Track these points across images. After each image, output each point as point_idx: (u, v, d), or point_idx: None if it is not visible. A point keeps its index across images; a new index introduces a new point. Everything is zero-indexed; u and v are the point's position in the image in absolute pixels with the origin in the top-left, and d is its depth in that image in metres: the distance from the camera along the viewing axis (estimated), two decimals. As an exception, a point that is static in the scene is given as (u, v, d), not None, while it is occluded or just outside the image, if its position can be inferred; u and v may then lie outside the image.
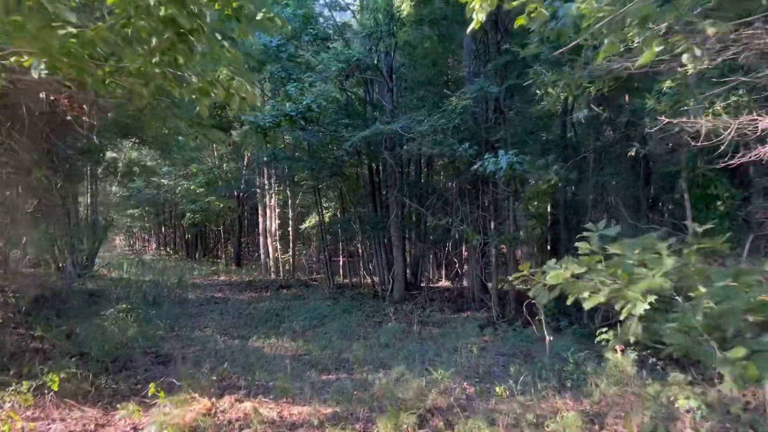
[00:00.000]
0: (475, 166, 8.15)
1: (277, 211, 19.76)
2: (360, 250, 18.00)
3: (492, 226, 11.18)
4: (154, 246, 32.62)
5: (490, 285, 12.43)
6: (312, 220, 19.52)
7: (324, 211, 17.26)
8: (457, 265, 17.87)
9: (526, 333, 8.88)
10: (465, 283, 15.61)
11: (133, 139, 9.75)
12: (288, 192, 18.84)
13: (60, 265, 15.61)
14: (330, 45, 12.13)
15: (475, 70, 11.02)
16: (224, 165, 23.83)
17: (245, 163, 21.81)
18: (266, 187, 19.05)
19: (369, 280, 15.86)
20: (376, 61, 11.28)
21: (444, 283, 17.08)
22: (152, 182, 19.15)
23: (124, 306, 9.04)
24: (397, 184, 12.03)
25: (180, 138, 9.14)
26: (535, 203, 11.11)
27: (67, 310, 9.42)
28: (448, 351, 7.70)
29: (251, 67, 12.36)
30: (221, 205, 20.22)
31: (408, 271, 14.31)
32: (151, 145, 10.25)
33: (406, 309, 11.30)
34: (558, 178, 7.77)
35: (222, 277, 18.96)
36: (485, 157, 8.03)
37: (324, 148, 13.58)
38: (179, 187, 19.81)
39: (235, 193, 23.10)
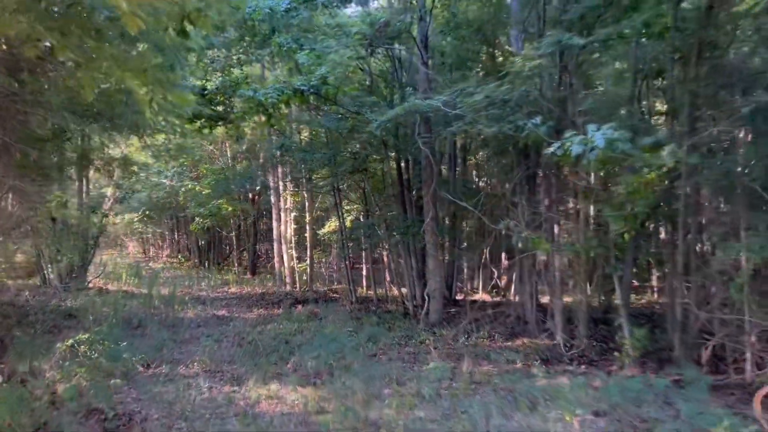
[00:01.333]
0: (552, 149, 5.85)
1: (292, 215, 17.65)
2: (385, 258, 15.79)
3: (556, 231, 8.88)
4: (167, 253, 30.86)
5: (546, 301, 10.15)
6: (332, 225, 17.37)
7: (345, 215, 15.07)
8: (496, 275, 15.55)
9: (621, 378, 6.54)
10: (509, 297, 13.30)
11: (103, 123, 7.74)
12: (305, 193, 16.72)
13: (46, 276, 13.79)
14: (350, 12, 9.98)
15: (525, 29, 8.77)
16: (237, 166, 21.90)
17: (260, 162, 19.79)
18: (280, 187, 16.93)
19: (396, 292, 13.63)
20: (409, 24, 8.96)
21: (482, 296, 14.73)
22: (149, 182, 17.12)
23: (86, 336, 6.93)
24: (434, 179, 9.74)
25: (149, 117, 7.03)
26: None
27: (18, 340, 7.37)
28: (522, 410, 5.39)
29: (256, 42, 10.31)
30: (230, 209, 18.15)
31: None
32: (121, 128, 8.21)
33: (447, 335, 8.99)
34: (674, 162, 5.44)
35: (233, 289, 16.93)
36: (568, 135, 5.73)
37: (344, 138, 11.40)
38: (183, 189, 17.79)
39: (250, 196, 21.12)
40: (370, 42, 8.47)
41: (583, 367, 7.63)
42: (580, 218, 8.39)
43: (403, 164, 11.88)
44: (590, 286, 10.14)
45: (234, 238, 23.80)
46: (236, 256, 23.97)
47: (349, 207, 16.29)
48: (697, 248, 8.37)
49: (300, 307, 12.67)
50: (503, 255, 14.77)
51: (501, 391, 6.17)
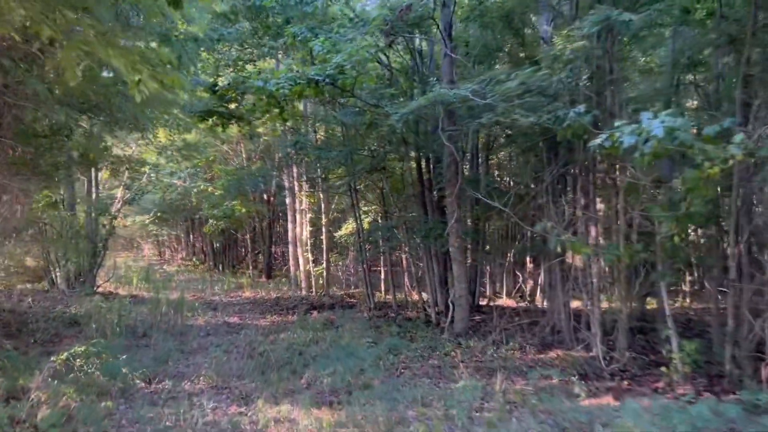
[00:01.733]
0: (599, 140, 5.14)
1: (308, 216, 17.04)
2: (404, 261, 15.12)
3: (593, 233, 8.11)
4: (182, 255, 30.52)
5: (577, 309, 9.40)
6: (349, 227, 16.73)
7: (362, 216, 14.40)
8: (521, 280, 14.81)
9: (681, 401, 5.79)
10: (535, 303, 12.55)
11: (102, 118, 7.20)
12: (321, 194, 16.11)
13: (54, 280, 13.37)
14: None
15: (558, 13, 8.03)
16: (252, 166, 21.39)
17: (275, 162, 19.25)
18: (295, 188, 16.35)
19: (416, 297, 12.94)
20: (432, 8, 8.25)
21: (506, 301, 13.97)
22: (160, 183, 16.63)
23: (83, 349, 6.37)
24: (459, 178, 9.04)
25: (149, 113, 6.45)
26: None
27: (9, 354, 6.83)
28: (568, 442, 4.69)
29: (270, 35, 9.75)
30: (243, 210, 17.60)
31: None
32: (122, 123, 7.68)
33: (475, 347, 8.28)
34: (743, 154, 4.69)
35: (247, 293, 16.37)
36: (617, 125, 5.01)
37: (361, 135, 10.75)
38: (194, 190, 17.28)
39: (265, 197, 20.60)
40: (391, 28, 7.80)
41: (626, 383, 6.88)
42: (621, 219, 7.64)
43: (423, 163, 11.19)
44: (630, 292, 9.39)
45: (249, 240, 23.31)
46: (251, 258, 23.48)
47: (366, 208, 15.64)
48: (751, 252, 7.56)
49: (315, 313, 12.06)
50: (528, 258, 14.05)
51: (540, 414, 5.46)
